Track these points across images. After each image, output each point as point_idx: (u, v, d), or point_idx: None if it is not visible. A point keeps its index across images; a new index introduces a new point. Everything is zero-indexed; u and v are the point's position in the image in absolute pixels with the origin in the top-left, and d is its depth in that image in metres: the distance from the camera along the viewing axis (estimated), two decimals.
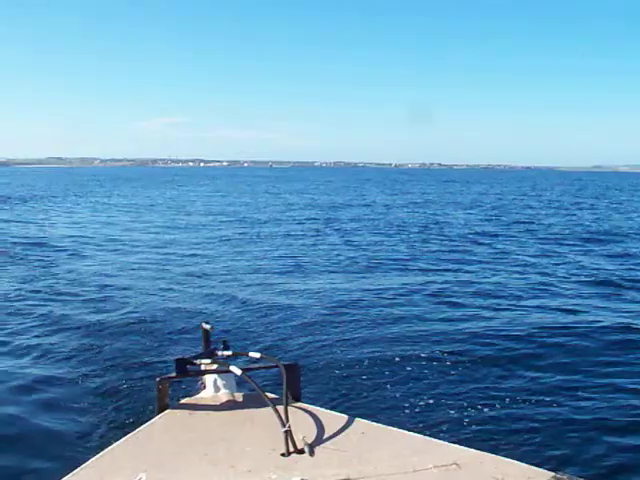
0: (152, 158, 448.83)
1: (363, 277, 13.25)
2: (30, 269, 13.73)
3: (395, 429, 2.95)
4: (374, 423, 2.97)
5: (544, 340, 8.44)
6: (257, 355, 3.24)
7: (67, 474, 2.53)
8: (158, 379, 3.16)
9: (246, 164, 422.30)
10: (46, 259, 15.16)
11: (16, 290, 11.50)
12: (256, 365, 3.28)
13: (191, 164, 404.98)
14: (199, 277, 13.05)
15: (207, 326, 3.35)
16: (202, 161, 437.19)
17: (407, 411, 6.07)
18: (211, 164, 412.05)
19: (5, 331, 8.97)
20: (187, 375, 3.20)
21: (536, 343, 8.32)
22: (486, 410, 6.11)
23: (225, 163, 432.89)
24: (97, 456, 2.70)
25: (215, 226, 24.01)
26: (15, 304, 10.50)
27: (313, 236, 20.80)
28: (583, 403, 6.33)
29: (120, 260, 15.38)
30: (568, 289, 12.22)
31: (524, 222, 26.74)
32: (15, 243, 17.98)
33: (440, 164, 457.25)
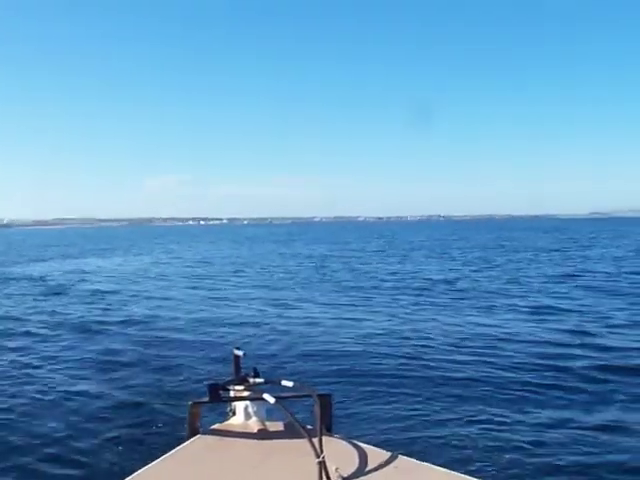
0: (150, 217, 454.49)
1: None
2: None
3: (428, 464, 2.81)
4: (407, 458, 2.84)
5: None
6: (290, 384, 3.12)
7: None
8: (190, 403, 3.11)
9: (246, 221, 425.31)
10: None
11: None
12: (289, 394, 3.15)
13: (191, 222, 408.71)
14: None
15: (239, 352, 3.29)
16: (202, 219, 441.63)
17: (441, 447, 5.89)
18: (211, 222, 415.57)
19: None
20: (220, 401, 3.16)
21: None
22: (528, 453, 5.88)
23: (225, 220, 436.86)
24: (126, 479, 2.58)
25: None
26: None
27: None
28: None
29: None
30: None
31: None
32: None
33: (440, 216, 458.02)
